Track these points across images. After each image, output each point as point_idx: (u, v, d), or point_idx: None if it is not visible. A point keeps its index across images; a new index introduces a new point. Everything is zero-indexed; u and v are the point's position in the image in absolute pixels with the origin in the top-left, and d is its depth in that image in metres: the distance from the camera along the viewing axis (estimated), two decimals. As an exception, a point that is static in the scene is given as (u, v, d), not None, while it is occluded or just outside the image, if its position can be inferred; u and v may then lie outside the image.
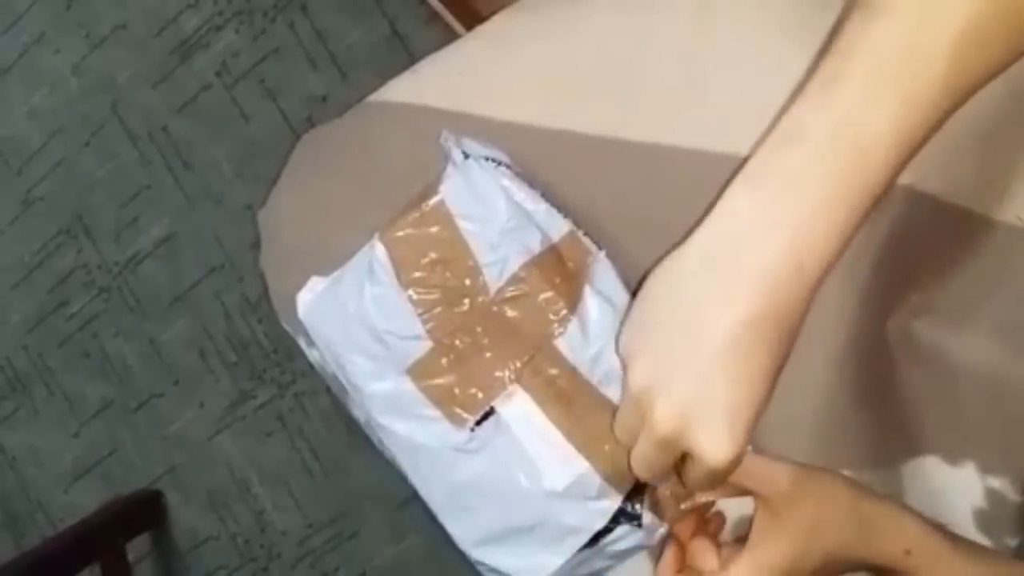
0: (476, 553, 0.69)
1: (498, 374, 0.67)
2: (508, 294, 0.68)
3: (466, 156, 0.72)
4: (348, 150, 0.83)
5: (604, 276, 0.70)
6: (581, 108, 0.74)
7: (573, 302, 0.68)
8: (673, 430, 0.48)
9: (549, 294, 0.67)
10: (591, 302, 0.68)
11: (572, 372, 0.66)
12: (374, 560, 1.75)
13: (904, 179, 0.65)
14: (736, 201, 0.46)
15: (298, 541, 1.81)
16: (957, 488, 0.67)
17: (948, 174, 0.66)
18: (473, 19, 1.09)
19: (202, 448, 1.86)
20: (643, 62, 0.73)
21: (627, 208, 0.72)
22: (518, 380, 0.67)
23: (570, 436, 0.65)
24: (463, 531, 0.69)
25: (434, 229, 0.70)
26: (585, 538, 0.65)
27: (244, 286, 1.79)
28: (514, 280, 0.68)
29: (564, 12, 0.76)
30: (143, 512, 1.89)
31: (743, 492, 0.60)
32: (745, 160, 0.47)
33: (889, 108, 0.43)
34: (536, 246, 0.69)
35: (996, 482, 0.65)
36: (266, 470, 1.82)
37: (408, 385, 0.69)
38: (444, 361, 0.69)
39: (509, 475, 0.66)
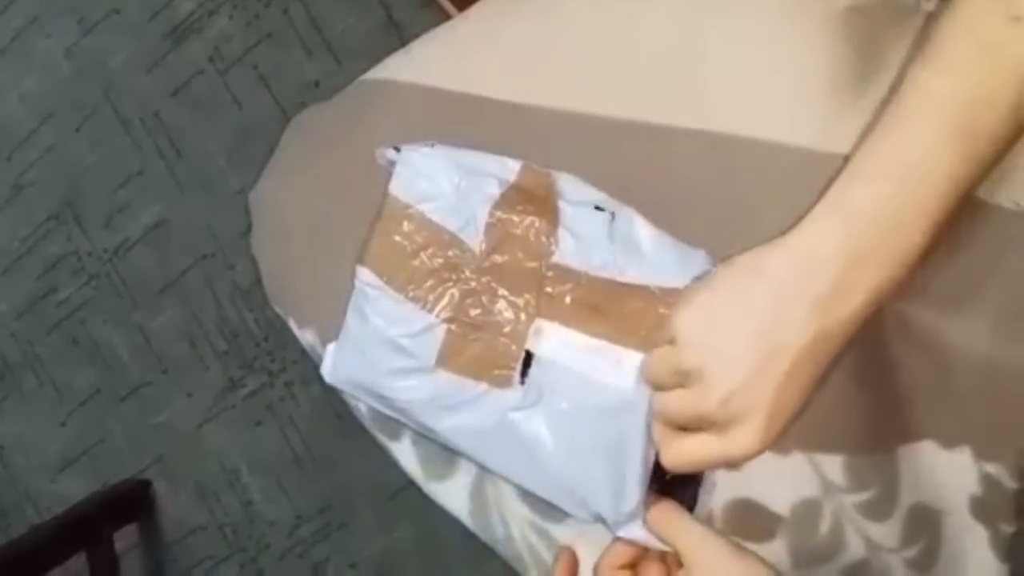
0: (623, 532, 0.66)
1: (518, 319, 0.67)
2: (492, 243, 0.68)
3: (397, 150, 0.73)
4: (340, 129, 0.83)
5: (572, 186, 0.70)
6: (575, 87, 0.73)
7: (554, 218, 0.67)
8: (712, 412, 0.53)
9: (527, 221, 0.68)
10: (570, 210, 0.68)
11: (583, 278, 0.65)
12: (364, 551, 1.74)
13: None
14: (823, 230, 0.51)
15: (287, 532, 1.80)
16: (953, 474, 0.66)
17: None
18: (467, 3, 1.08)
19: (191, 437, 1.85)
20: (638, 41, 0.72)
21: (618, 188, 0.71)
22: (539, 314, 0.66)
23: (613, 337, 0.63)
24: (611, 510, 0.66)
25: (402, 227, 0.71)
26: None
27: (235, 274, 1.78)
28: (489, 228, 0.68)
29: (559, -9, 0.75)
30: (131, 501, 1.88)
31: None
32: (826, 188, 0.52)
33: (950, 157, 0.49)
34: (495, 189, 0.69)
35: (992, 468, 0.65)
36: (255, 460, 1.81)
37: (443, 376, 0.68)
38: (465, 335, 0.68)
39: (578, 406, 0.65)
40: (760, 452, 0.53)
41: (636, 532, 0.64)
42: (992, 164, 0.50)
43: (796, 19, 0.68)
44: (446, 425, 0.70)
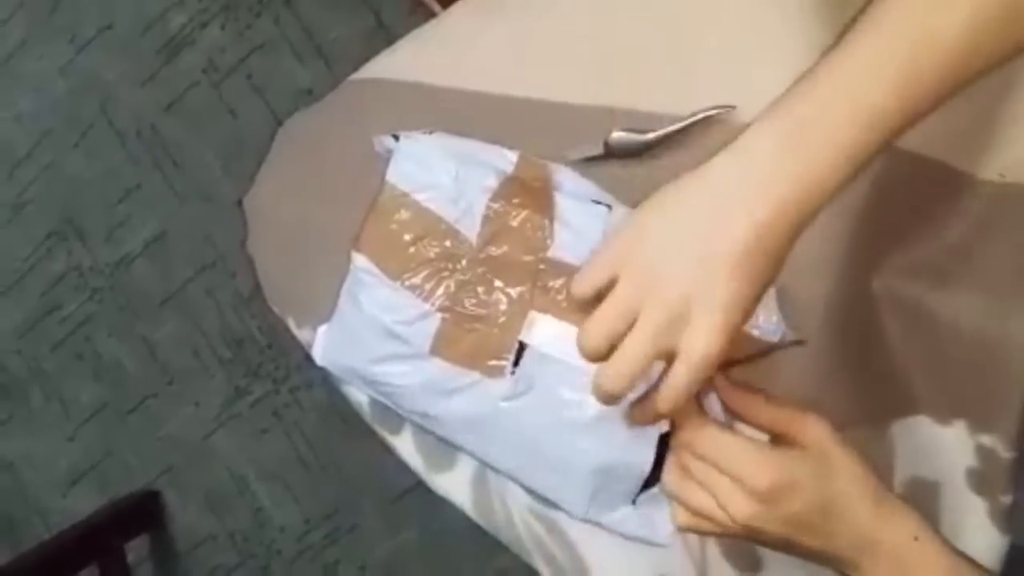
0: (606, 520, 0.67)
1: (512, 311, 0.67)
2: (488, 234, 0.69)
3: (397, 138, 0.73)
4: (330, 129, 0.83)
5: (568, 179, 0.70)
6: (562, 77, 0.74)
7: (549, 212, 0.68)
8: (669, 320, 0.50)
9: (523, 214, 0.68)
10: (566, 203, 0.68)
11: (577, 272, 0.65)
12: (374, 552, 1.74)
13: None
14: (758, 140, 0.50)
15: (297, 537, 1.80)
16: (949, 446, 0.66)
17: (931, 131, 0.66)
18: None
19: (198, 447, 1.86)
20: (627, 31, 0.73)
21: (607, 175, 0.72)
22: (532, 306, 0.67)
23: None
24: (579, 502, 0.67)
25: (398, 215, 0.71)
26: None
27: (237, 282, 1.79)
28: (486, 220, 0.69)
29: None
30: (141, 513, 1.88)
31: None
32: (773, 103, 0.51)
33: (894, 81, 0.48)
34: (492, 181, 0.70)
35: (987, 439, 0.65)
36: (263, 467, 1.81)
37: (438, 363, 0.69)
38: (459, 324, 0.69)
39: (564, 397, 0.65)
40: (722, 348, 0.50)
41: (628, 526, 0.66)
42: (925, 112, 0.49)
43: (774, 5, 0.69)
44: (435, 411, 0.70)
